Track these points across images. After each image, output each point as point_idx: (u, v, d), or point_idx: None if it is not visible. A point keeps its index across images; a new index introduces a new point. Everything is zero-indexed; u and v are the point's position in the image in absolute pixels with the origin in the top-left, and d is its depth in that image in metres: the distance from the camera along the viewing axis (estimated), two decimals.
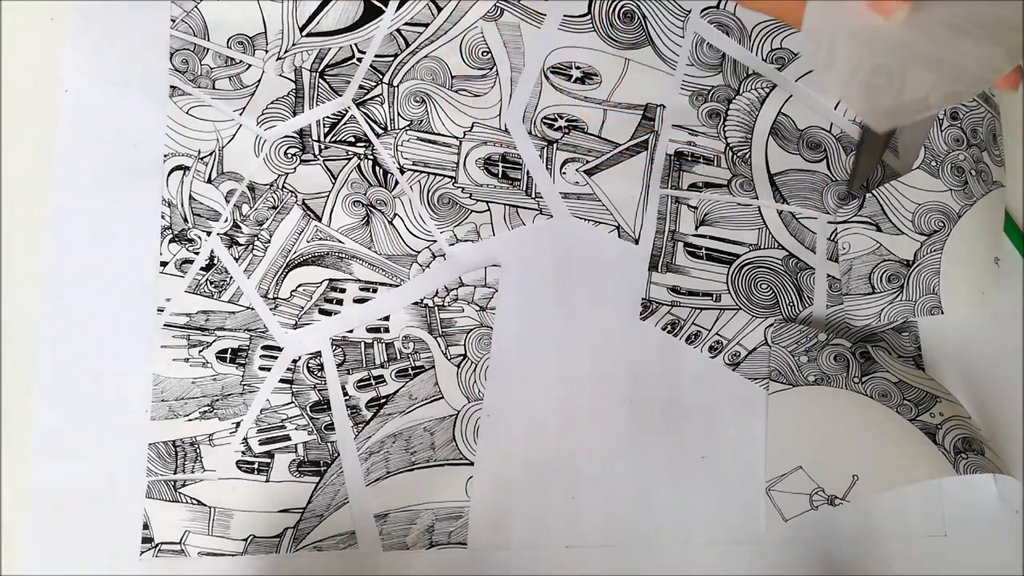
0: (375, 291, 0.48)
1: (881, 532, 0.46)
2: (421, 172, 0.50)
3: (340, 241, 0.49)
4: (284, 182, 0.49)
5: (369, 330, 0.48)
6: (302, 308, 0.48)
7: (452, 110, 0.50)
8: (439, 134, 0.50)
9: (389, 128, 0.50)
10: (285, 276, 0.48)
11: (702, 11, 0.51)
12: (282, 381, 0.47)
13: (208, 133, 0.50)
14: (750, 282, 0.49)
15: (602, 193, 0.50)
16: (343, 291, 0.48)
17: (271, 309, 0.48)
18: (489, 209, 0.49)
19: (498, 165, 0.50)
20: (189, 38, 0.51)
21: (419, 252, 0.49)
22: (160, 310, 0.48)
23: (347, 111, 0.50)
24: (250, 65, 0.50)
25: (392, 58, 0.51)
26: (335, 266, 0.49)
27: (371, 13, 0.51)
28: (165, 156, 0.49)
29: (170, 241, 0.49)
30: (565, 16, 0.52)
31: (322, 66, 0.50)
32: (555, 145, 0.50)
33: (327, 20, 0.51)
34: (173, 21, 0.51)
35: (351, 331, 0.48)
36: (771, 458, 0.46)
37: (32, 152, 0.49)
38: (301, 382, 0.47)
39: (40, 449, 0.46)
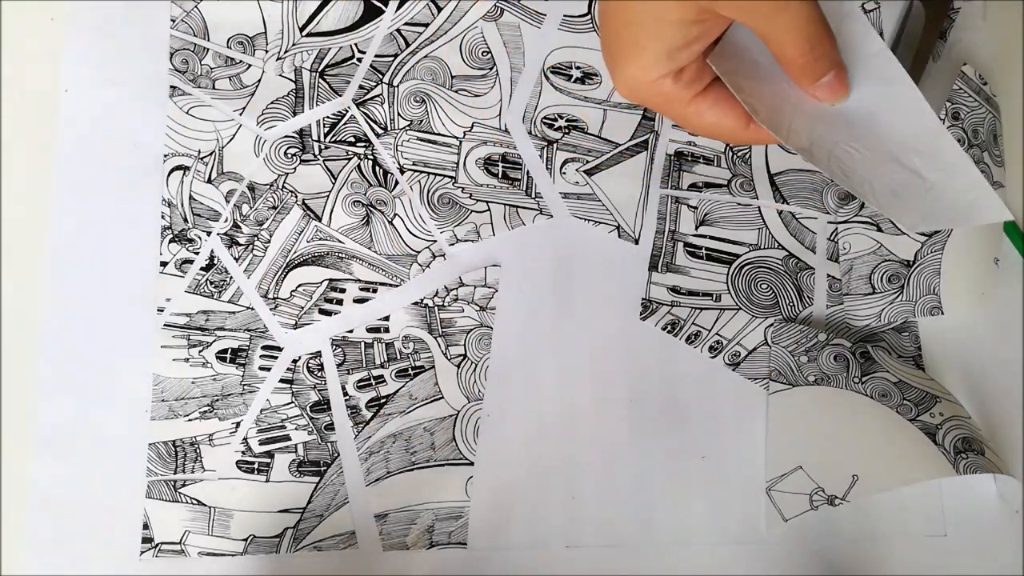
0: (375, 291, 0.48)
1: (881, 532, 0.46)
2: (421, 172, 0.50)
3: (340, 241, 0.49)
4: (284, 182, 0.49)
5: (369, 330, 0.48)
6: (302, 308, 0.48)
7: (452, 110, 0.50)
8: (439, 134, 0.50)
9: (389, 128, 0.50)
10: (285, 276, 0.48)
11: None
12: (282, 381, 0.47)
13: (208, 133, 0.50)
14: (750, 282, 0.49)
15: (602, 193, 0.50)
16: (343, 291, 0.48)
17: (271, 309, 0.48)
18: (489, 209, 0.49)
19: (498, 165, 0.50)
20: (189, 38, 0.51)
21: (419, 252, 0.49)
22: (160, 310, 0.48)
23: (347, 111, 0.50)
24: (250, 65, 0.50)
25: (392, 58, 0.51)
26: (335, 266, 0.49)
27: (371, 13, 0.51)
28: (165, 156, 0.49)
29: (170, 241, 0.49)
30: (565, 16, 0.52)
31: (322, 66, 0.50)
32: (555, 145, 0.50)
33: (327, 20, 0.51)
34: (173, 21, 0.51)
35: (351, 331, 0.48)
36: (771, 458, 0.46)
37: (32, 152, 0.49)
38: (301, 382, 0.47)
39: (40, 449, 0.46)
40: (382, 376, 0.48)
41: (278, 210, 0.49)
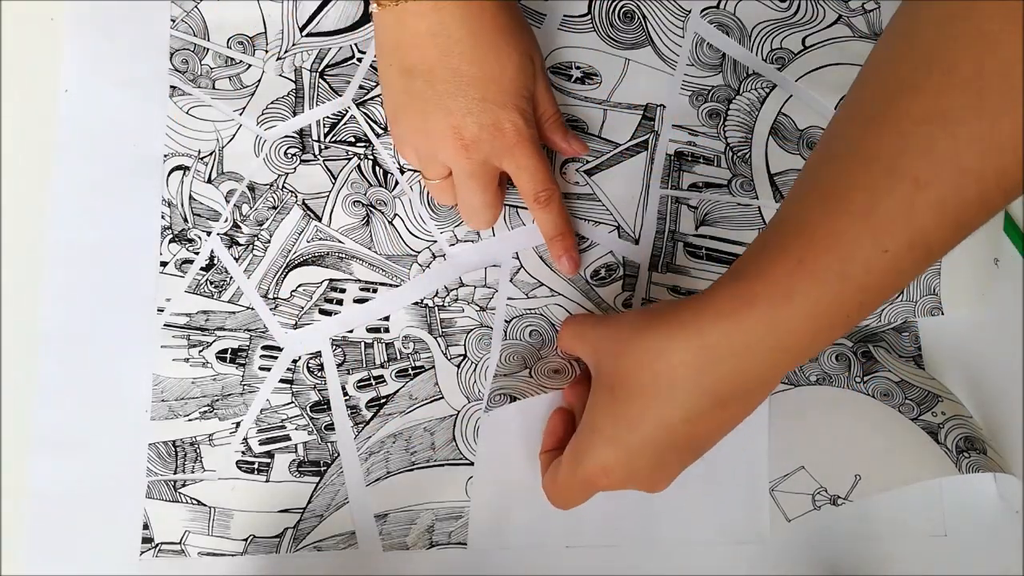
0: (375, 291, 0.48)
1: (881, 532, 0.46)
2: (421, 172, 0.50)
3: (340, 241, 0.49)
4: (284, 182, 0.49)
5: (369, 330, 0.48)
6: (302, 308, 0.48)
7: None
8: None
9: (389, 128, 0.50)
10: (285, 276, 0.48)
11: (702, 11, 0.51)
12: (282, 381, 0.47)
13: (208, 133, 0.50)
14: None
15: (602, 193, 0.50)
16: (343, 291, 0.48)
17: (271, 309, 0.48)
18: None
19: None
20: (189, 38, 0.51)
21: (419, 252, 0.49)
22: (160, 310, 0.48)
23: (347, 111, 0.50)
24: (250, 65, 0.50)
25: None
26: (335, 266, 0.49)
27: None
28: (165, 156, 0.49)
29: (170, 241, 0.49)
30: (565, 16, 0.52)
31: (322, 66, 0.50)
32: None
33: (327, 20, 0.51)
34: (173, 21, 0.51)
35: (351, 331, 0.48)
36: (774, 458, 0.46)
37: (32, 152, 0.49)
38: (301, 382, 0.47)
39: (40, 449, 0.46)
40: (382, 376, 0.47)
41: (278, 210, 0.49)
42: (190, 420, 0.47)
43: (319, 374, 0.47)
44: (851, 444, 0.45)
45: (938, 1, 0.31)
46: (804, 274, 0.32)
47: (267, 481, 0.46)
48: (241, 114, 0.50)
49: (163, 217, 0.49)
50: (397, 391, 0.47)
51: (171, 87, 0.50)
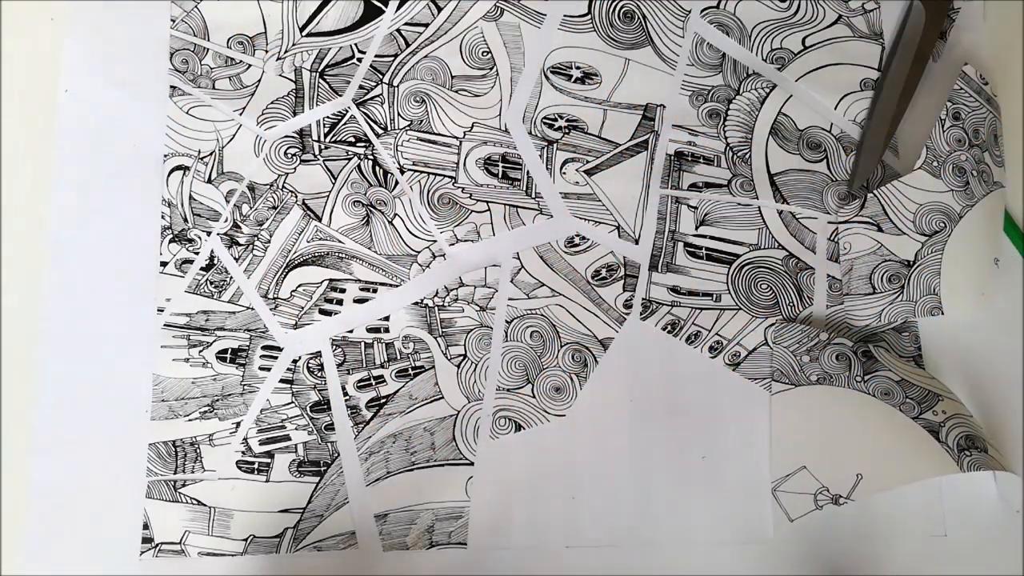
0: (375, 291, 0.48)
1: (881, 532, 0.46)
2: (421, 172, 0.50)
3: (340, 241, 0.49)
4: (284, 182, 0.49)
5: (369, 330, 0.48)
6: (302, 308, 0.48)
7: (452, 110, 0.50)
8: (439, 134, 0.50)
9: (389, 128, 0.50)
10: (285, 276, 0.48)
11: (702, 11, 0.51)
12: (282, 381, 0.47)
13: (208, 133, 0.50)
14: (750, 282, 0.49)
15: (602, 193, 0.50)
16: (343, 291, 0.48)
17: (271, 309, 0.48)
18: (489, 209, 0.49)
19: (498, 165, 0.50)
20: (189, 38, 0.51)
21: (419, 252, 0.49)
22: (160, 310, 0.48)
23: (347, 111, 0.50)
24: (250, 65, 0.50)
25: (392, 58, 0.51)
26: (335, 266, 0.49)
27: (371, 13, 0.51)
28: (165, 156, 0.49)
29: (170, 241, 0.49)
30: (565, 16, 0.52)
31: (322, 66, 0.50)
32: (555, 145, 0.50)
33: (327, 20, 0.51)
34: (173, 21, 0.51)
35: (351, 331, 0.48)
36: (775, 458, 0.46)
37: (32, 152, 0.49)
38: (301, 382, 0.47)
39: (40, 449, 0.46)
40: (382, 376, 0.47)
41: (278, 210, 0.49)
42: (190, 420, 0.47)
43: (319, 374, 0.47)
44: (852, 443, 0.46)
45: None
46: None
47: (267, 481, 0.46)
48: (241, 114, 0.50)
49: (163, 217, 0.49)
50: (397, 391, 0.47)
51: (171, 87, 0.50)
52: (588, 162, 0.50)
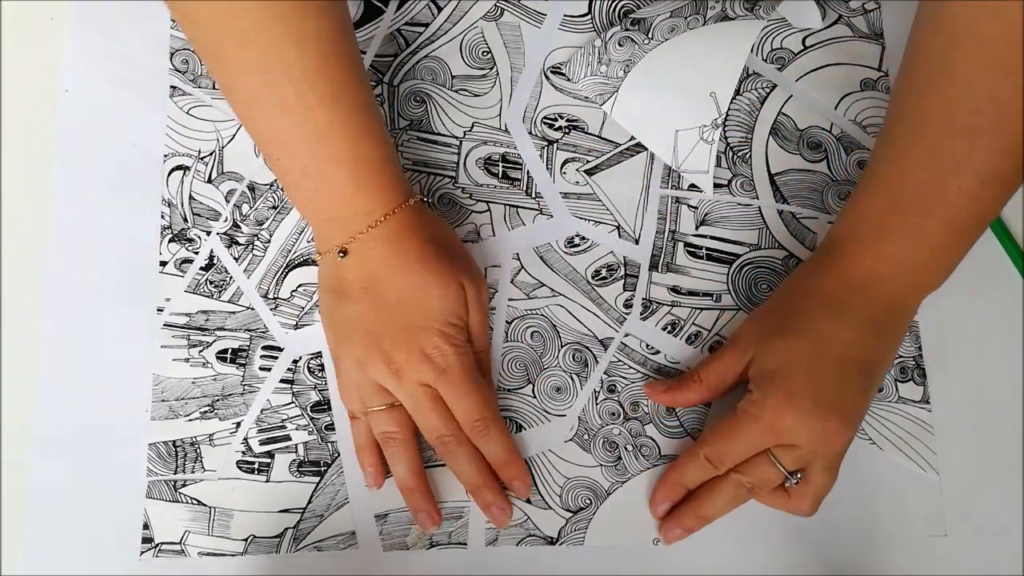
0: None
1: (881, 532, 0.46)
2: (421, 172, 0.50)
3: None
4: None
5: None
6: (303, 308, 0.48)
7: (452, 110, 0.50)
8: (439, 134, 0.50)
9: (389, 128, 0.50)
10: (285, 276, 0.48)
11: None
12: (283, 381, 0.47)
13: (208, 133, 0.50)
14: (750, 282, 0.49)
15: (602, 193, 0.50)
16: None
17: (271, 309, 0.48)
18: (489, 209, 0.49)
19: (498, 165, 0.50)
20: None
21: None
22: (160, 310, 0.48)
23: None
24: None
25: (392, 58, 0.51)
26: None
27: (371, 13, 0.51)
28: (165, 156, 0.49)
29: (170, 241, 0.48)
30: (565, 16, 0.52)
31: None
32: (555, 145, 0.50)
33: None
34: (173, 21, 0.51)
35: None
36: None
37: (32, 152, 0.49)
38: (302, 382, 0.47)
39: (40, 449, 0.46)
40: None
41: (278, 210, 0.49)
42: (190, 420, 0.47)
43: (320, 374, 0.47)
44: None
45: None
46: (894, 213, 0.41)
47: (267, 481, 0.46)
48: None
49: (163, 217, 0.49)
50: None
51: (171, 87, 0.50)
52: (588, 162, 0.50)
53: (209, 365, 0.47)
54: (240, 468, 0.46)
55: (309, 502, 0.46)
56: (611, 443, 0.47)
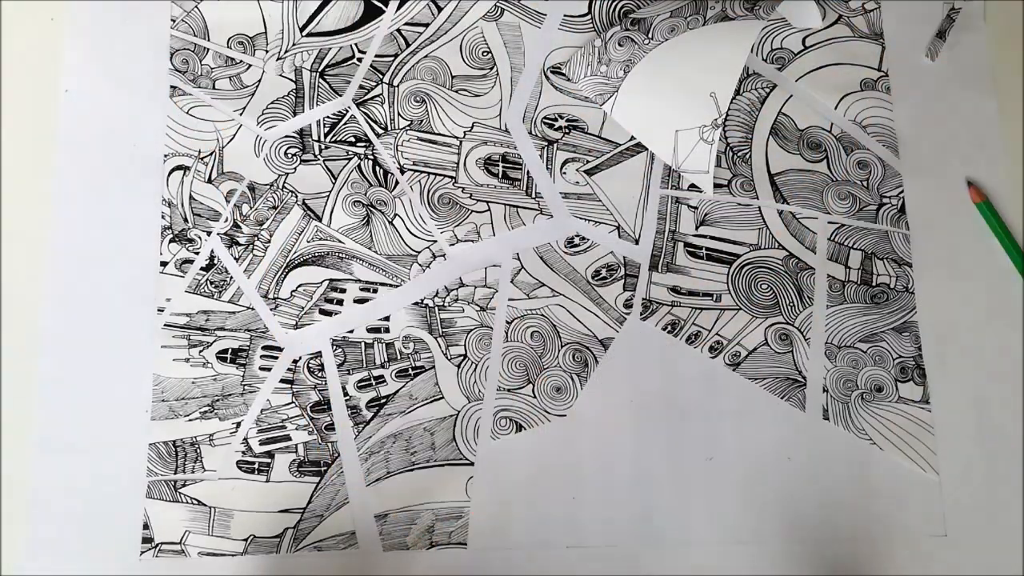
0: (375, 291, 0.48)
1: (881, 532, 0.46)
2: (421, 172, 0.50)
3: (340, 241, 0.49)
4: (284, 182, 0.49)
5: (369, 330, 0.48)
6: (302, 308, 0.48)
7: (452, 110, 0.50)
8: (439, 134, 0.50)
9: (389, 128, 0.50)
10: (285, 276, 0.48)
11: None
12: (282, 381, 0.47)
13: (208, 133, 0.50)
14: (750, 282, 0.49)
15: (602, 193, 0.50)
16: (343, 291, 0.48)
17: (271, 309, 0.48)
18: (489, 209, 0.49)
19: (498, 165, 0.50)
20: (189, 38, 0.51)
21: (419, 252, 0.49)
22: (160, 310, 0.48)
23: (347, 111, 0.50)
24: (250, 65, 0.50)
25: (392, 58, 0.51)
26: (335, 266, 0.49)
27: (371, 13, 0.51)
28: (165, 156, 0.49)
29: (170, 241, 0.49)
30: (565, 16, 0.52)
31: (322, 66, 0.50)
32: (555, 145, 0.50)
33: (327, 20, 0.51)
34: (173, 21, 0.51)
35: (351, 331, 0.48)
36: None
37: (32, 152, 0.49)
38: (301, 382, 0.47)
39: (40, 449, 0.46)
40: (382, 376, 0.47)
41: (278, 210, 0.49)
42: (190, 420, 0.47)
43: (319, 374, 0.47)
44: None
45: None
46: None
47: (267, 481, 0.46)
48: (241, 114, 0.50)
49: (163, 217, 0.49)
50: (397, 391, 0.47)
51: (171, 87, 0.50)
52: (588, 162, 0.50)
53: (209, 365, 0.47)
54: (240, 468, 0.46)
55: (309, 502, 0.46)
56: None
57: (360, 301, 0.48)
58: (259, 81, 0.50)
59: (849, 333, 0.48)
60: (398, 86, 0.50)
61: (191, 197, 0.49)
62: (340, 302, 0.48)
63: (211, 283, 0.48)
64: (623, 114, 0.49)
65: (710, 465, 0.47)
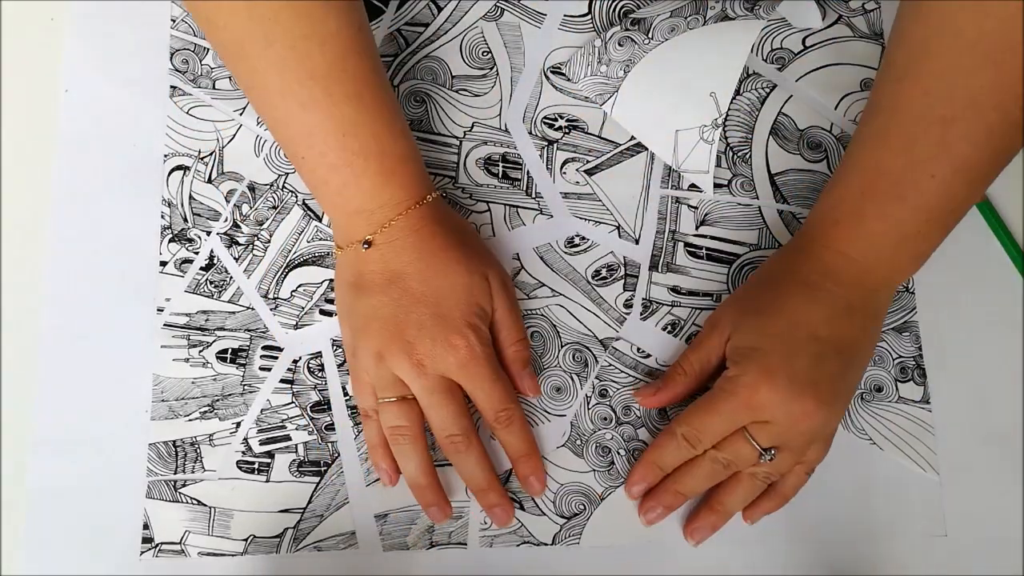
0: None
1: (881, 532, 0.46)
2: None
3: None
4: (284, 182, 0.49)
5: None
6: (303, 308, 0.48)
7: (452, 110, 0.50)
8: (439, 134, 0.50)
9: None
10: (285, 276, 0.48)
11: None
12: (283, 381, 0.47)
13: (208, 133, 0.50)
14: None
15: (602, 193, 0.50)
16: None
17: (271, 309, 0.48)
18: (489, 209, 0.49)
19: (498, 165, 0.50)
20: (189, 38, 0.51)
21: None
22: (160, 310, 0.48)
23: None
24: None
25: (392, 58, 0.51)
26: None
27: (371, 13, 0.51)
28: (165, 156, 0.49)
29: (170, 241, 0.48)
30: (565, 16, 0.52)
31: None
32: (555, 145, 0.50)
33: None
34: (173, 21, 0.51)
35: None
36: None
37: (32, 152, 0.49)
38: (302, 382, 0.47)
39: (40, 449, 0.46)
40: None
41: (278, 210, 0.49)
42: (190, 420, 0.47)
43: (320, 374, 0.47)
44: None
45: None
46: (868, 198, 0.41)
47: (267, 481, 0.46)
48: (241, 114, 0.50)
49: (163, 217, 0.49)
50: None
51: (171, 87, 0.50)
52: (588, 162, 0.50)
53: (209, 365, 0.47)
54: (240, 468, 0.46)
55: (309, 502, 0.46)
56: (604, 448, 0.47)
57: None
58: None
59: None
60: (398, 86, 0.50)
61: (191, 197, 0.49)
62: None
63: (211, 283, 0.48)
64: (623, 114, 0.49)
65: None
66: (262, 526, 0.45)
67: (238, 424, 0.47)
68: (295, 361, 0.47)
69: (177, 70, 0.50)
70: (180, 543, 0.45)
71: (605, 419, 0.47)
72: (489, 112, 0.50)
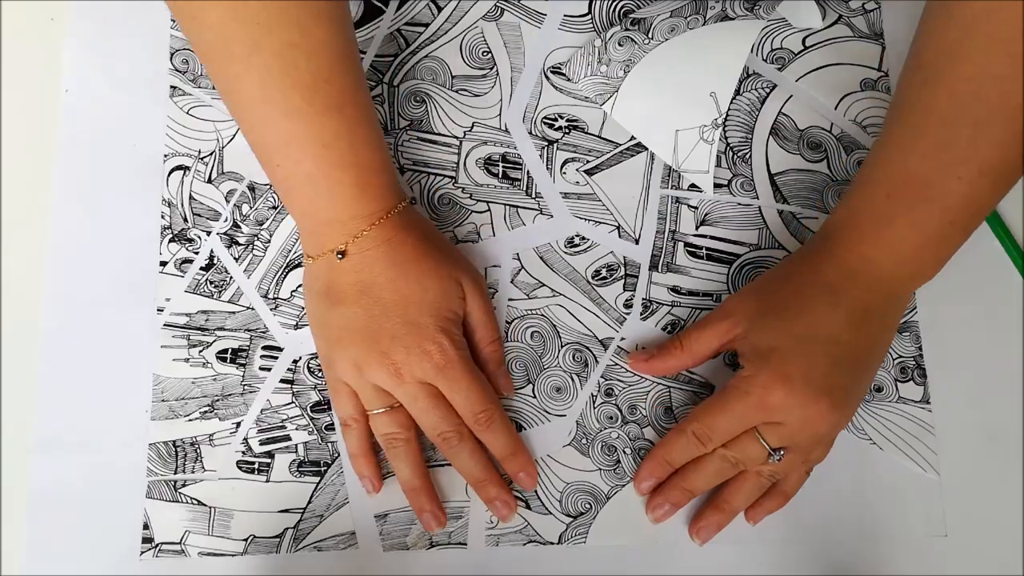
0: None
1: (881, 532, 0.46)
2: (421, 172, 0.50)
3: None
4: None
5: None
6: (303, 308, 0.48)
7: (452, 110, 0.50)
8: (439, 134, 0.50)
9: (389, 128, 0.50)
10: (285, 276, 0.48)
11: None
12: (283, 381, 0.47)
13: (208, 133, 0.50)
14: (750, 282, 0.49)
15: (602, 193, 0.50)
16: None
17: (271, 309, 0.48)
18: (489, 209, 0.49)
19: (498, 165, 0.50)
20: None
21: None
22: (160, 310, 0.48)
23: None
24: None
25: (392, 58, 0.51)
26: None
27: (371, 13, 0.51)
28: (165, 156, 0.49)
29: (170, 241, 0.48)
30: (565, 16, 0.52)
31: None
32: (555, 145, 0.50)
33: None
34: (173, 21, 0.51)
35: None
36: None
37: (32, 152, 0.49)
38: (302, 382, 0.47)
39: (40, 449, 0.46)
40: None
41: (278, 210, 0.49)
42: (190, 420, 0.47)
43: (319, 374, 0.47)
44: None
45: None
46: (896, 201, 0.41)
47: (267, 481, 0.46)
48: None
49: (163, 217, 0.49)
50: None
51: (171, 87, 0.50)
52: (588, 162, 0.50)
53: (209, 365, 0.47)
54: (240, 468, 0.46)
55: (309, 502, 0.46)
56: (609, 447, 0.47)
57: None
58: None
59: None
60: (398, 86, 0.50)
61: (191, 197, 0.49)
62: None
63: (211, 283, 0.48)
64: (623, 114, 0.49)
65: None
66: (262, 526, 0.45)
67: (238, 424, 0.47)
68: (295, 361, 0.47)
69: (177, 70, 0.50)
70: (180, 543, 0.45)
71: (611, 418, 0.47)
72: (489, 112, 0.50)
